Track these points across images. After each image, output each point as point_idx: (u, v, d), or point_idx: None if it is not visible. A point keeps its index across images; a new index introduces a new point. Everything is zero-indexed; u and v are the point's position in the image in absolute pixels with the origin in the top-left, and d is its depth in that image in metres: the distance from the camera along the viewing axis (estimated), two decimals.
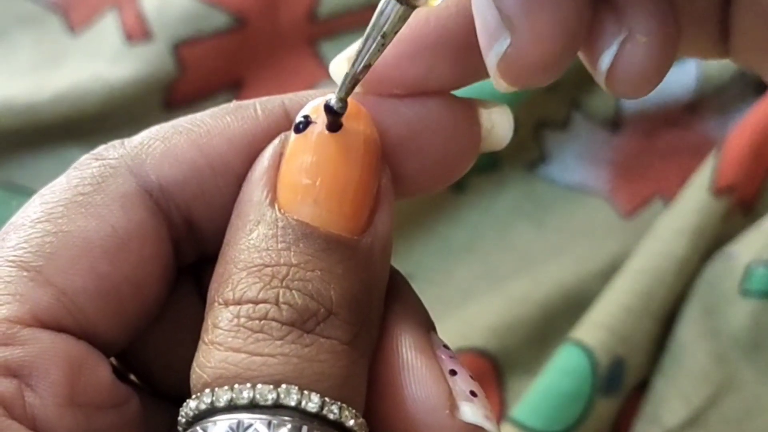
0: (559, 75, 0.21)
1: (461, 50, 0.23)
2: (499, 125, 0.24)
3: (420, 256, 0.46)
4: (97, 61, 0.50)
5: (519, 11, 0.20)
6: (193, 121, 0.23)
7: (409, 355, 0.22)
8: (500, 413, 0.42)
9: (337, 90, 0.22)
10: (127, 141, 0.23)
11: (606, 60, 0.21)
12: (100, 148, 0.23)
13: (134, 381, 0.24)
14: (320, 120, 0.22)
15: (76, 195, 0.22)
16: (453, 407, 0.21)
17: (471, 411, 0.21)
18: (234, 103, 0.23)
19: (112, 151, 0.23)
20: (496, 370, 0.43)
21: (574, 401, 0.40)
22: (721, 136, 0.47)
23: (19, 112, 0.47)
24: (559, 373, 0.40)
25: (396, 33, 0.21)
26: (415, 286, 0.24)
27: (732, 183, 0.44)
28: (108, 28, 0.51)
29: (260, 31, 0.50)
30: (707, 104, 0.49)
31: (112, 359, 0.23)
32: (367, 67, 0.22)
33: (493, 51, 0.21)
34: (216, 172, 0.22)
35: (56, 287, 0.21)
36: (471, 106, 0.23)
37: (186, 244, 0.23)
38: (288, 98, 0.23)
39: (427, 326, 0.23)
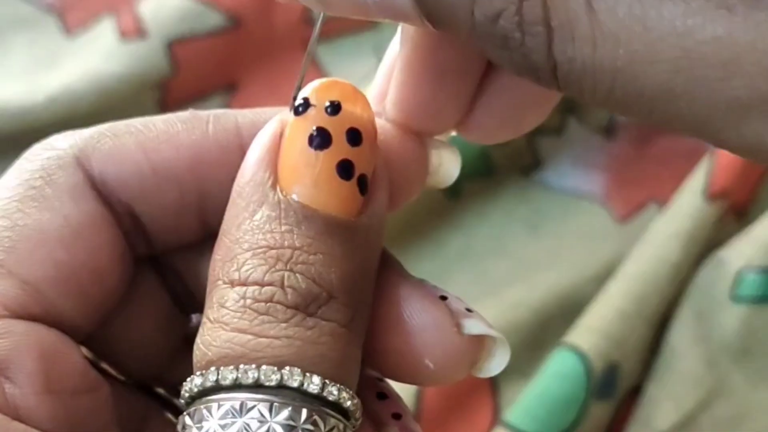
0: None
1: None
2: (446, 164, 0.25)
3: (415, 261, 0.46)
4: (91, 59, 0.49)
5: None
6: (146, 124, 0.24)
7: (404, 289, 0.23)
8: (494, 417, 0.42)
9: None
10: (79, 132, 0.24)
11: None
12: (52, 138, 0.24)
13: (104, 368, 0.25)
14: (319, 103, 0.22)
15: (27, 189, 0.23)
16: (457, 324, 0.22)
17: (474, 324, 0.23)
18: (190, 112, 0.24)
19: (62, 141, 0.23)
20: None
21: (569, 405, 0.40)
22: None
23: (14, 114, 0.47)
24: (553, 378, 0.40)
25: None
26: None
27: (725, 188, 0.44)
28: (104, 31, 0.51)
29: (255, 32, 0.50)
30: None
31: (84, 349, 0.24)
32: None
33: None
34: (159, 176, 0.23)
35: (19, 278, 0.22)
36: (422, 143, 0.24)
37: (134, 236, 0.24)
38: (242, 114, 0.24)
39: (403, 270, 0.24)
